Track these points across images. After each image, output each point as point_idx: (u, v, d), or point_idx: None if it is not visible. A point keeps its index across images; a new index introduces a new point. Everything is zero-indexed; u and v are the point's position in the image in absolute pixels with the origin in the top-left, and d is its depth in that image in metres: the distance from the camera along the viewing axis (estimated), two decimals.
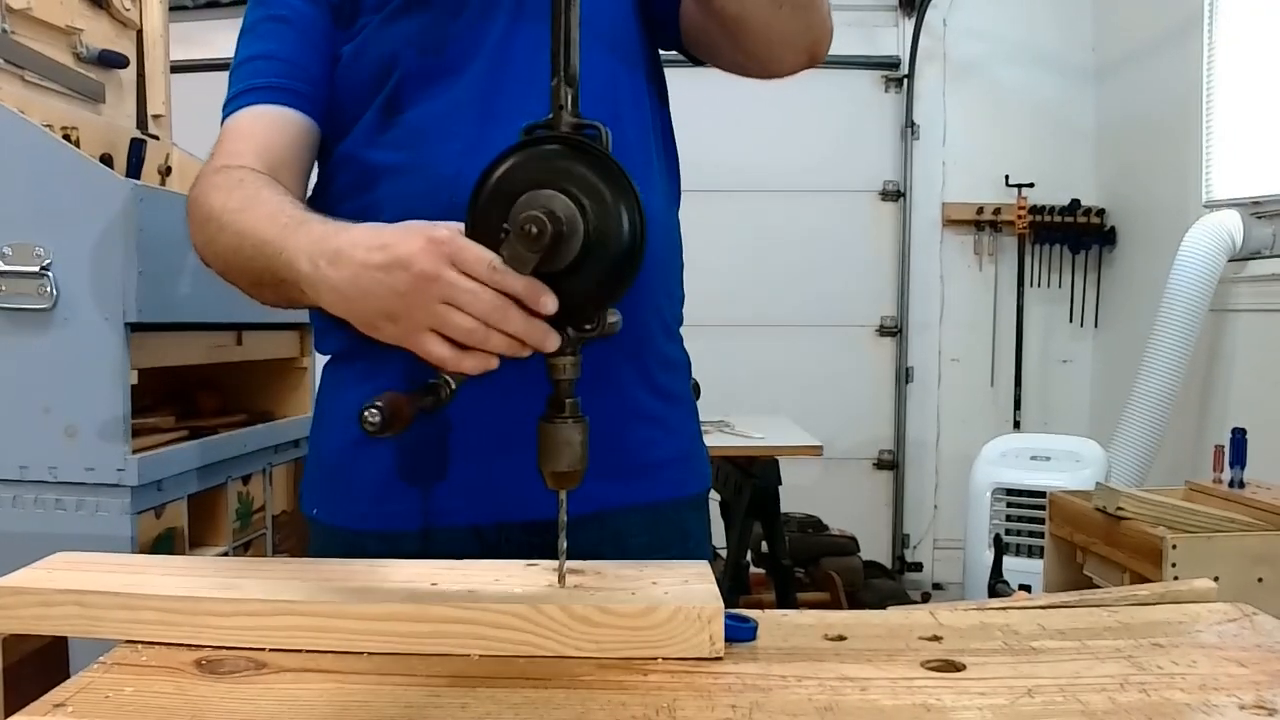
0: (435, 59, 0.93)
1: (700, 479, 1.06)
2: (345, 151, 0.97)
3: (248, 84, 0.95)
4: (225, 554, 1.67)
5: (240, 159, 0.91)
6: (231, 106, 0.95)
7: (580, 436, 0.73)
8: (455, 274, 0.68)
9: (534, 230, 0.67)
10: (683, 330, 1.08)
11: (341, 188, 0.97)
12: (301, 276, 0.76)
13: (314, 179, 1.01)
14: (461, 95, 0.92)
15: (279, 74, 0.94)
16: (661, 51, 1.07)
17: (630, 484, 0.97)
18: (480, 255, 0.68)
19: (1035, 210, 4.08)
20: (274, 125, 0.93)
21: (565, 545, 0.75)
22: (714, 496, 3.32)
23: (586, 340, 0.72)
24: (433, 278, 0.69)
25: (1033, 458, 3.46)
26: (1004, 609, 0.80)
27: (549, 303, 0.69)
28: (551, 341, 0.70)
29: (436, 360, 0.71)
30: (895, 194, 4.28)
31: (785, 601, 2.99)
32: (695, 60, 1.04)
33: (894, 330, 4.30)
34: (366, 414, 0.67)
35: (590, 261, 0.69)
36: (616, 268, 0.70)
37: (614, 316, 0.73)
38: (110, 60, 1.88)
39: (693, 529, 1.03)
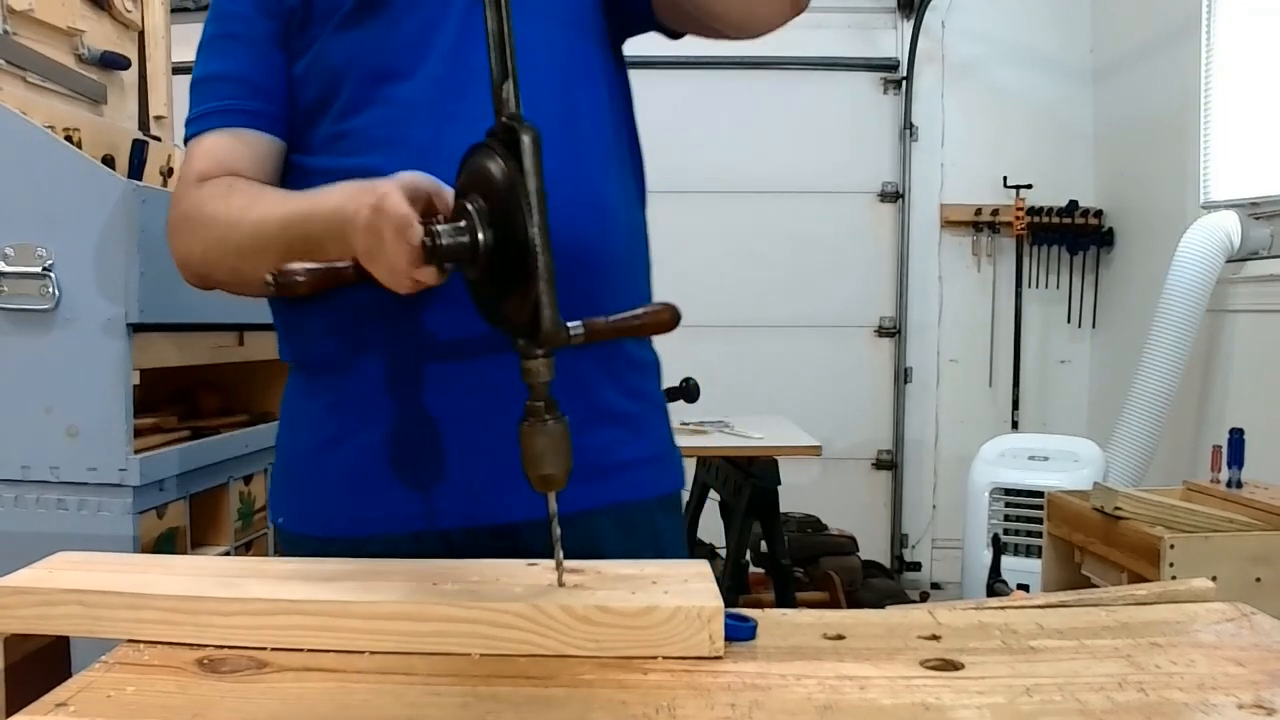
0: (386, 65, 0.93)
1: (672, 479, 1.05)
2: (297, 162, 0.97)
3: (207, 107, 0.97)
4: (227, 553, 1.67)
5: (212, 176, 0.94)
6: (193, 129, 0.97)
7: (562, 436, 0.72)
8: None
9: (465, 225, 0.72)
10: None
11: None
12: (343, 216, 0.79)
13: None
14: (414, 99, 0.92)
15: (235, 95, 0.96)
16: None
17: (600, 485, 0.96)
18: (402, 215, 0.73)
19: (1033, 211, 4.09)
20: (235, 148, 0.95)
21: (560, 533, 0.74)
22: (714, 496, 3.34)
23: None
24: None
25: (1031, 458, 3.46)
26: (1002, 608, 0.80)
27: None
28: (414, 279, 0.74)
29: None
30: (894, 195, 4.28)
31: (784, 601, 2.99)
32: (672, 34, 1.02)
33: (893, 331, 4.31)
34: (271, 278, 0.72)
35: (499, 274, 0.72)
36: (523, 280, 0.70)
37: (578, 329, 0.73)
38: (112, 61, 1.88)
39: (664, 529, 1.02)
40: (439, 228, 0.72)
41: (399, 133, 0.90)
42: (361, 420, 0.94)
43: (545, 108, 0.92)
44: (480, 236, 0.72)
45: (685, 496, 3.41)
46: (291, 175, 0.98)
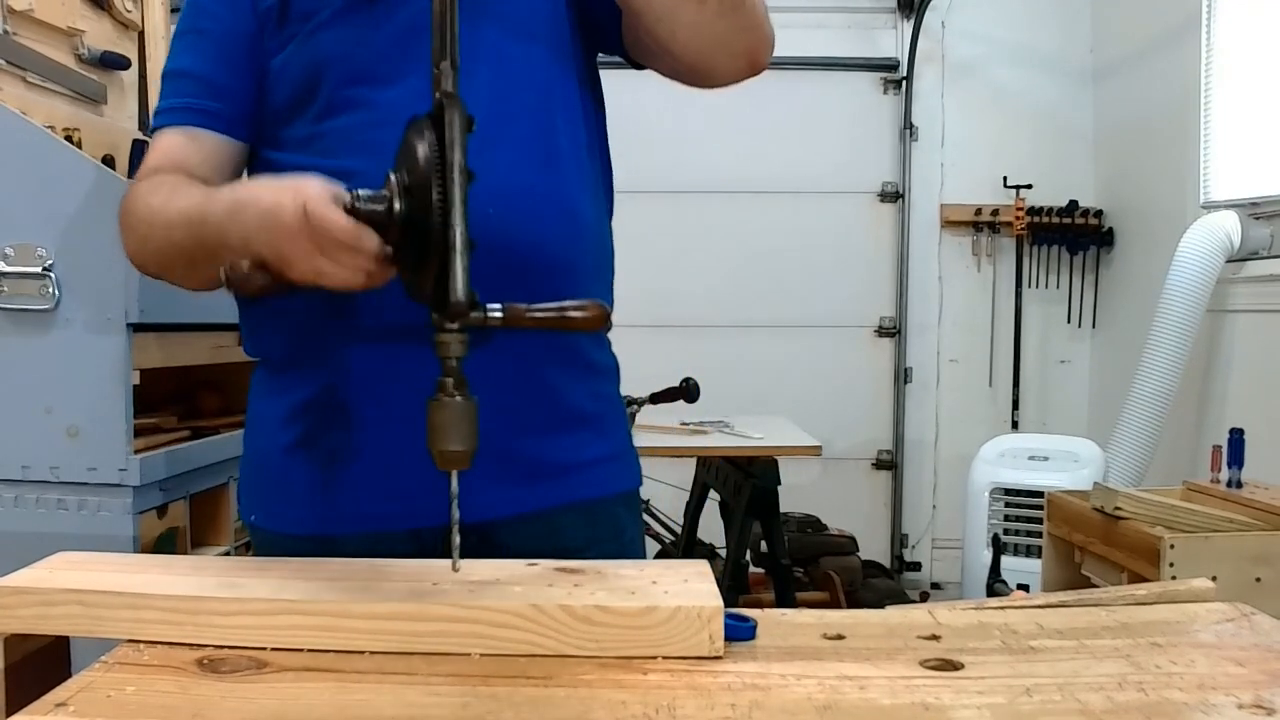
0: (368, 68, 0.93)
1: (631, 477, 1.08)
2: (271, 157, 0.98)
3: (168, 103, 0.99)
4: (227, 553, 1.67)
5: (162, 172, 0.95)
6: (156, 122, 1.00)
7: (465, 413, 0.71)
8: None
9: (385, 193, 0.73)
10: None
11: None
12: (222, 230, 0.80)
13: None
14: (394, 105, 0.91)
15: (195, 93, 0.97)
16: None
17: (566, 483, 0.99)
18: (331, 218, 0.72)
19: (1033, 211, 4.09)
20: (187, 147, 0.96)
21: (458, 516, 0.73)
22: (714, 496, 3.34)
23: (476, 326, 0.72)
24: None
25: (1031, 458, 3.46)
26: (1002, 608, 0.80)
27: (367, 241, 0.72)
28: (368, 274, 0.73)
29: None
30: (894, 195, 4.28)
31: (784, 601, 2.99)
32: (636, 65, 1.05)
33: (893, 331, 4.31)
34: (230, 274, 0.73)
35: (413, 246, 0.72)
36: (436, 252, 0.70)
37: (496, 311, 0.73)
38: (112, 61, 1.88)
39: (626, 524, 1.06)
40: (360, 192, 0.73)
41: (378, 137, 0.89)
42: (329, 417, 0.95)
43: (524, 122, 0.95)
44: (396, 204, 0.72)
45: (685, 497, 3.43)
46: (265, 173, 0.98)
